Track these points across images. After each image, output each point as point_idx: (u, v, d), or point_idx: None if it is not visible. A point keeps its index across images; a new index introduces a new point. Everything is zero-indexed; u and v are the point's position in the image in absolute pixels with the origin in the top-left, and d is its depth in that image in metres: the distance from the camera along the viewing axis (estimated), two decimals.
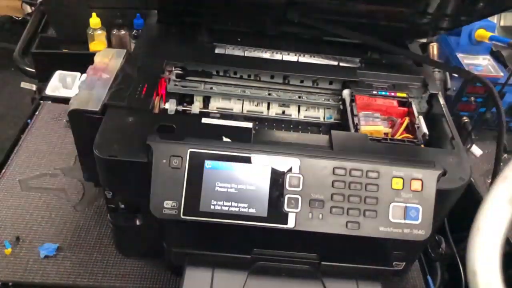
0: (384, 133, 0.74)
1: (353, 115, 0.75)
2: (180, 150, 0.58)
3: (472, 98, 1.10)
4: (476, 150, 1.11)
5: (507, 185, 0.34)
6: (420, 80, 0.82)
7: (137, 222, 0.69)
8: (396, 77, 0.82)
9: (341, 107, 0.81)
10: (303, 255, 0.65)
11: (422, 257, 0.91)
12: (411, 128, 0.75)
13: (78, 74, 1.06)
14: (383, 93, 0.80)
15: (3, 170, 0.88)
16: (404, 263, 0.78)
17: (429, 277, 0.86)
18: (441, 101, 0.79)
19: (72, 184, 0.87)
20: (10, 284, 0.72)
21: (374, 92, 0.79)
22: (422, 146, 0.72)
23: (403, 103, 0.79)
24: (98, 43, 1.14)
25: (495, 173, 0.82)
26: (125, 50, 0.77)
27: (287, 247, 0.64)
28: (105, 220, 0.81)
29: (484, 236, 0.35)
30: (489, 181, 0.85)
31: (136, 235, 0.72)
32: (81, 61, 0.84)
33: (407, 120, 0.76)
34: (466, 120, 1.13)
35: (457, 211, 0.73)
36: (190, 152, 0.58)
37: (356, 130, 0.72)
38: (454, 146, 0.70)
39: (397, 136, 0.74)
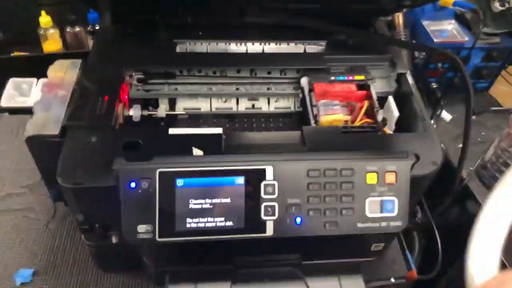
0: (345, 121, 0.73)
1: (312, 105, 0.74)
2: (149, 172, 0.56)
3: (439, 65, 1.10)
4: (446, 115, 1.12)
5: (508, 190, 0.34)
6: (388, 59, 0.81)
7: (114, 240, 0.67)
8: (363, 59, 0.81)
9: (301, 95, 0.79)
10: (284, 257, 0.65)
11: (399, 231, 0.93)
12: (371, 112, 0.75)
13: (35, 80, 0.99)
14: (341, 78, 0.78)
15: None
16: (383, 244, 0.80)
17: (408, 253, 0.88)
18: (410, 80, 0.78)
19: (42, 201, 0.84)
20: None
21: (332, 78, 0.78)
22: (386, 130, 0.71)
23: (362, 86, 0.78)
24: (52, 43, 1.07)
25: (466, 139, 0.83)
26: (80, 60, 0.73)
27: (268, 252, 0.65)
28: (81, 237, 0.79)
29: (483, 242, 0.35)
30: (460, 146, 0.86)
31: (114, 252, 0.70)
32: (37, 64, 0.79)
33: (366, 104, 0.75)
34: (435, 86, 1.14)
35: None
36: (160, 172, 0.56)
37: (316, 121, 0.71)
38: (424, 128, 0.70)
39: (357, 122, 0.74)
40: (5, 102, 0.97)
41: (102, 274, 0.75)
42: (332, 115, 0.71)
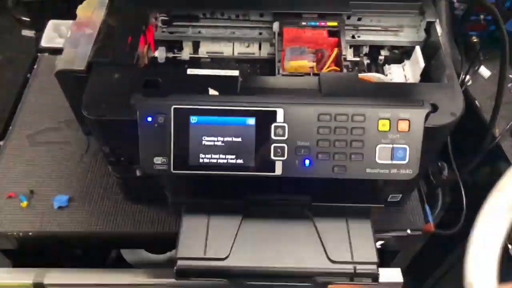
0: (310, 67, 0.72)
1: (278, 50, 0.73)
2: (164, 107, 0.59)
3: (482, 17, 1.03)
4: (484, 71, 1.07)
5: (506, 194, 0.33)
6: (417, 7, 0.78)
7: (138, 173, 0.72)
8: (391, 6, 0.78)
9: (273, 41, 0.77)
10: (294, 198, 0.68)
11: (422, 184, 0.93)
12: (339, 60, 0.73)
13: (70, 21, 1.04)
14: (313, 23, 0.75)
15: (10, 127, 0.92)
16: (401, 195, 0.80)
17: (427, 206, 0.88)
18: (438, 30, 0.75)
19: (77, 136, 0.90)
20: (30, 233, 0.78)
21: (303, 23, 0.75)
22: (367, 78, 0.70)
23: (334, 33, 0.75)
24: None
25: (498, 97, 0.81)
26: (107, 0, 0.75)
27: (278, 191, 0.67)
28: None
29: (481, 247, 0.35)
30: (493, 103, 0.83)
31: (140, 184, 0.76)
32: (75, 6, 0.83)
33: (336, 51, 0.74)
34: (476, 40, 1.07)
35: (461, 136, 0.72)
36: (174, 108, 0.59)
37: (279, 67, 0.71)
38: (448, 79, 0.68)
39: (324, 69, 0.72)
40: (45, 43, 1.01)
41: (130, 205, 0.81)
42: (297, 61, 0.71)
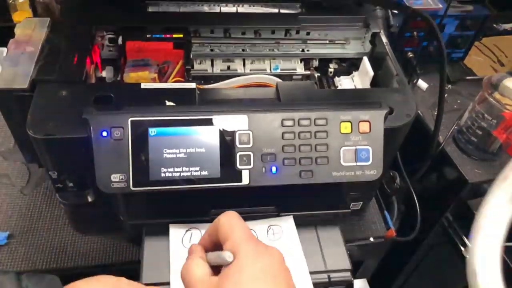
0: (152, 79, 0.71)
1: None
2: (120, 120, 0.55)
3: (415, 33, 1.11)
4: (422, 84, 1.14)
5: (507, 185, 0.34)
6: (361, 20, 0.81)
7: (89, 199, 0.67)
8: (337, 19, 0.81)
9: None
10: (261, 209, 0.65)
11: (378, 194, 0.95)
12: (186, 71, 0.73)
13: (5, 49, 0.97)
14: (158, 36, 0.75)
15: None
16: (361, 202, 0.80)
17: (386, 213, 0.89)
18: (383, 39, 0.79)
19: (15, 168, 0.83)
20: None
21: (148, 36, 0.75)
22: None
23: (181, 44, 0.76)
24: (22, 13, 1.05)
25: (440, 105, 0.85)
26: (48, 19, 0.71)
27: (244, 203, 0.64)
28: (56, 201, 0.78)
29: (484, 237, 0.35)
30: (435, 112, 0.88)
31: (91, 212, 0.69)
32: (7, 34, 0.78)
33: (180, 63, 0.74)
34: (411, 56, 1.14)
35: (408, 145, 0.75)
36: (131, 121, 0.55)
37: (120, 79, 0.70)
38: (398, 84, 0.71)
39: (170, 81, 0.73)
40: None
41: (80, 237, 0.74)
42: (137, 72, 0.70)
